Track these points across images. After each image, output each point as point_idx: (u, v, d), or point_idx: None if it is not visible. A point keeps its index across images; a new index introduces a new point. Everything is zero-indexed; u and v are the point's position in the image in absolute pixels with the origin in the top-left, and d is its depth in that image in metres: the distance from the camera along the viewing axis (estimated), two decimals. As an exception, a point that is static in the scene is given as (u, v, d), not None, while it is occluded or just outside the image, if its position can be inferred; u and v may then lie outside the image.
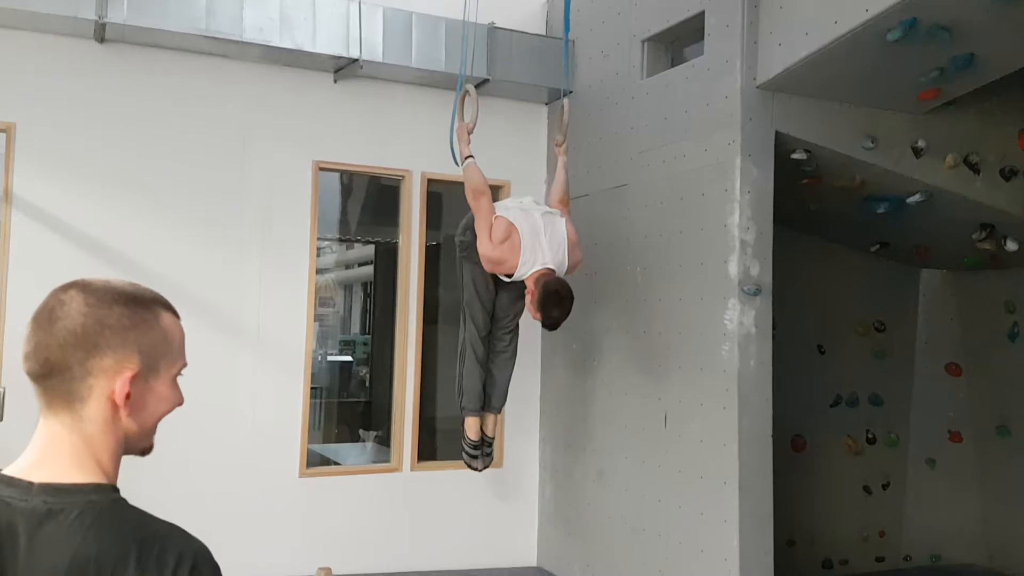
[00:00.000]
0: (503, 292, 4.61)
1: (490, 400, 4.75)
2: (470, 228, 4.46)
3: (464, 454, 4.76)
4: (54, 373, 1.27)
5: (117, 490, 1.30)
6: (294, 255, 5.43)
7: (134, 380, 1.30)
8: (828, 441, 6.50)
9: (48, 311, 1.28)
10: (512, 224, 4.23)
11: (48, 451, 1.28)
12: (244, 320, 5.31)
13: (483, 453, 4.77)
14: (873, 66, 4.27)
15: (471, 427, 4.70)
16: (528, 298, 4.24)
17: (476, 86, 4.98)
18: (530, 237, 4.23)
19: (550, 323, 4.22)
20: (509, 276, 4.29)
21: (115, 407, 1.31)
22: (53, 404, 1.29)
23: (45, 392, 1.29)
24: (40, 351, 1.27)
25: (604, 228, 5.36)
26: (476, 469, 4.82)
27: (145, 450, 1.37)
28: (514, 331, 4.75)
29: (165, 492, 4.87)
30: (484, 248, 4.24)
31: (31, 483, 1.25)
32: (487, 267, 4.31)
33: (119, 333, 1.30)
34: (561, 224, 4.37)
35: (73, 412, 1.28)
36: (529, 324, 5.95)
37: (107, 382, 1.29)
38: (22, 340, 1.30)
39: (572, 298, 4.21)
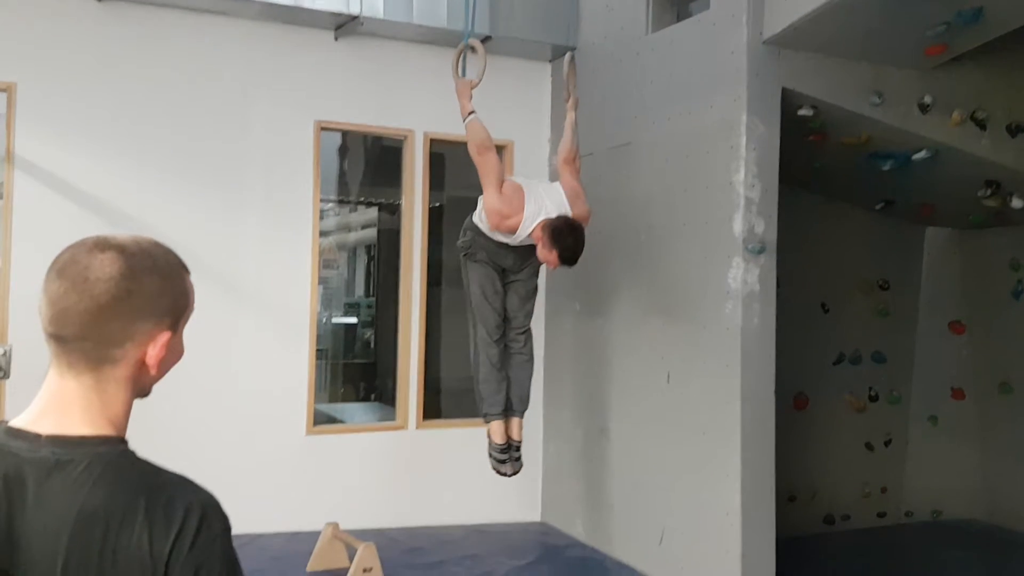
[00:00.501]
0: (512, 292, 4.54)
1: (511, 404, 4.58)
2: (470, 228, 4.42)
3: (491, 459, 4.59)
4: (89, 337, 1.26)
5: (125, 442, 1.31)
6: (297, 216, 5.43)
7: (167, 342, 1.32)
8: (831, 399, 6.53)
9: (82, 270, 1.25)
10: (518, 184, 4.23)
11: (57, 404, 1.28)
12: (248, 281, 5.32)
13: (511, 458, 4.58)
14: (880, 20, 4.21)
15: (495, 431, 4.54)
16: (539, 247, 4.17)
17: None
18: (531, 195, 4.22)
19: (567, 254, 4.09)
20: (513, 232, 4.23)
21: (141, 366, 1.32)
22: (77, 365, 1.27)
23: (71, 353, 1.27)
24: (75, 315, 1.24)
25: (608, 187, 5.33)
26: (505, 474, 4.62)
27: (146, 394, 1.38)
28: (528, 332, 4.64)
29: (173, 450, 4.92)
30: (492, 201, 4.16)
31: (39, 435, 1.25)
32: (493, 221, 4.22)
33: (159, 299, 1.31)
34: (556, 185, 4.36)
35: (99, 373, 1.28)
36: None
37: (142, 345, 1.30)
38: (45, 298, 1.25)
39: (581, 227, 4.15)
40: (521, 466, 4.65)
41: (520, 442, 4.63)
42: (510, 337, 4.58)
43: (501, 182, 4.20)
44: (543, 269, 4.64)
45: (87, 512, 1.21)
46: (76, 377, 1.28)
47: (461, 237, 4.50)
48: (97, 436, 1.28)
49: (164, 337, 1.31)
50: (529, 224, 4.16)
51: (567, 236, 4.07)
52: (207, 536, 1.24)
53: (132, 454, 1.31)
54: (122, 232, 1.37)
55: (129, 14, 5.03)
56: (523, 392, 4.63)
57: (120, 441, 1.30)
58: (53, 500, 1.22)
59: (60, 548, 1.20)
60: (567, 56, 4.77)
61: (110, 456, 1.27)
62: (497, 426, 4.54)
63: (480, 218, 4.39)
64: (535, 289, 4.61)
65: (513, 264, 4.45)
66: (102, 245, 1.28)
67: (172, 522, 1.22)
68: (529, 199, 4.18)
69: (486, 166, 4.21)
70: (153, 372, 1.33)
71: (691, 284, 4.65)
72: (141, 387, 1.34)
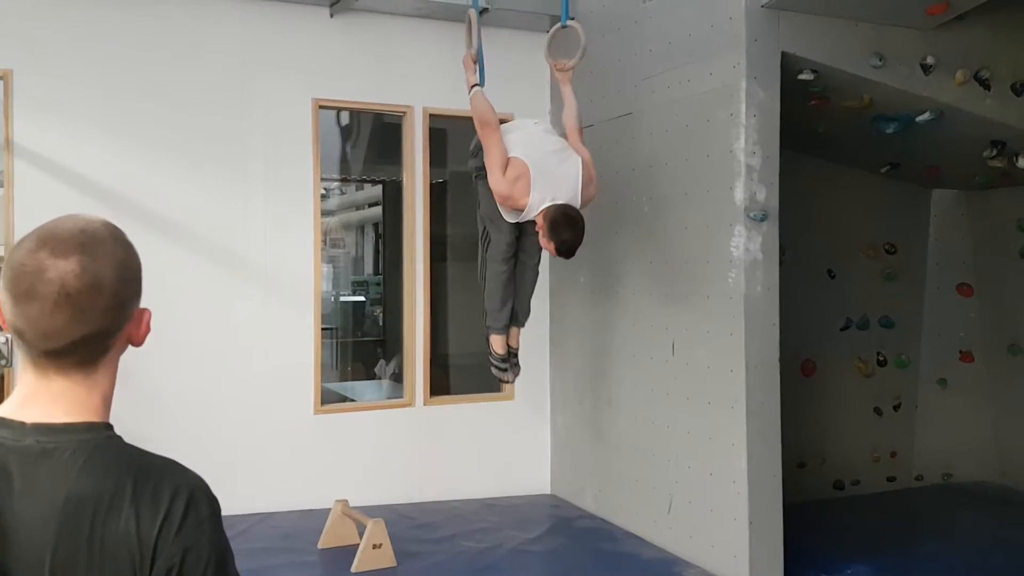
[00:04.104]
0: (527, 237, 4.46)
1: (516, 316, 4.67)
2: (482, 149, 4.31)
3: (493, 368, 4.72)
4: (86, 343, 1.25)
5: (111, 427, 1.31)
6: (298, 195, 5.42)
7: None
8: (839, 364, 6.51)
9: (59, 287, 1.20)
10: (525, 164, 4.09)
11: (44, 397, 1.28)
12: (252, 261, 5.33)
13: (512, 364, 4.73)
14: (880, -21, 4.15)
15: (497, 343, 4.64)
16: (540, 233, 4.14)
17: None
18: (540, 178, 4.09)
19: (563, 248, 4.07)
20: (519, 211, 4.19)
21: (126, 344, 1.33)
22: (68, 368, 1.26)
23: (65, 360, 1.25)
24: (70, 330, 1.22)
25: (609, 158, 5.30)
26: (507, 381, 4.83)
27: None
28: (539, 260, 4.68)
29: (183, 432, 4.97)
30: (495, 184, 4.10)
31: (23, 423, 1.25)
32: (498, 201, 4.20)
33: (133, 282, 1.30)
34: (576, 164, 4.22)
35: (89, 368, 1.28)
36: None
37: (129, 329, 1.31)
38: (23, 319, 1.21)
39: (582, 220, 4.11)
40: (520, 370, 4.79)
41: (518, 349, 4.78)
42: (520, 260, 4.57)
43: (504, 164, 4.10)
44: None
45: (74, 498, 1.21)
46: (67, 377, 1.27)
47: (472, 156, 4.43)
48: (82, 423, 1.28)
49: (147, 315, 1.32)
50: (534, 210, 4.10)
51: (564, 231, 4.03)
52: (195, 519, 1.24)
53: (118, 439, 1.31)
54: (61, 221, 1.29)
55: (123, -3, 5.01)
56: (526, 305, 4.71)
57: (106, 427, 1.30)
58: (40, 488, 1.22)
59: (49, 536, 1.20)
60: (553, 29, 4.76)
61: (96, 442, 1.27)
62: (499, 339, 4.63)
63: None
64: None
65: None
66: (58, 250, 1.23)
67: (159, 505, 1.23)
68: (536, 185, 4.07)
69: (486, 144, 4.14)
70: (137, 346, 1.34)
71: (694, 253, 4.63)
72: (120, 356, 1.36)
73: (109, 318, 1.25)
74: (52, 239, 1.24)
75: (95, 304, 1.23)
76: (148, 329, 1.32)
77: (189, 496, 1.25)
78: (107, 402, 1.33)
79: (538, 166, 4.12)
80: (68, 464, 1.23)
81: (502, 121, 4.33)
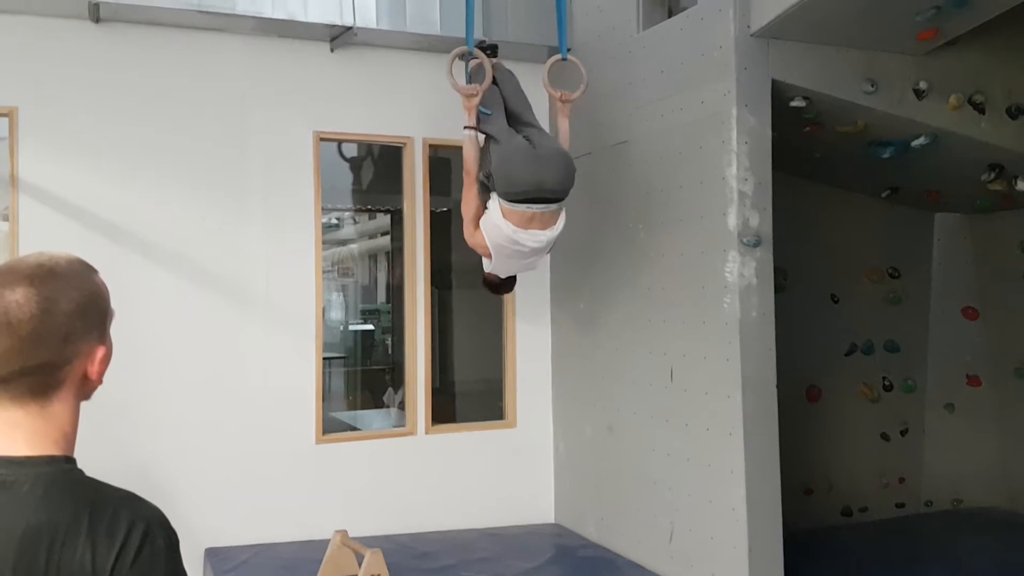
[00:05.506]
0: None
1: None
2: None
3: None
4: (30, 373, 1.29)
5: (72, 460, 1.34)
6: (299, 226, 5.47)
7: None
8: (844, 390, 6.48)
9: (1, 315, 1.27)
10: (486, 244, 4.34)
11: (4, 429, 1.31)
12: (254, 291, 5.37)
13: None
14: (868, 6, 4.18)
15: None
16: (484, 257, 4.50)
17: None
18: (502, 262, 4.43)
19: (486, 289, 4.80)
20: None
21: (84, 380, 1.36)
22: (22, 398, 1.30)
23: (15, 390, 1.29)
24: (11, 358, 1.27)
25: (606, 186, 5.35)
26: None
27: (88, 399, 1.41)
28: None
29: (184, 460, 5.00)
30: (465, 233, 4.40)
31: None
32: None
33: (85, 317, 1.33)
34: (543, 259, 4.66)
35: (44, 399, 1.31)
36: (538, 287, 5.99)
37: (81, 364, 1.33)
38: None
39: (511, 290, 4.89)
40: None
41: None
42: None
43: (475, 221, 4.34)
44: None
45: (32, 531, 1.24)
46: (22, 407, 1.31)
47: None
48: (42, 456, 1.31)
49: (100, 352, 1.34)
50: (494, 270, 4.52)
51: (490, 291, 4.83)
52: (150, 551, 1.27)
53: (78, 472, 1.33)
54: (27, 256, 1.37)
55: (125, 34, 5.11)
56: None
57: (66, 460, 1.33)
58: None
59: (7, 567, 1.23)
60: (551, 60, 4.83)
61: (55, 475, 1.30)
62: None
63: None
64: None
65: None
66: (7, 281, 1.29)
67: (115, 538, 1.25)
68: (497, 261, 4.39)
69: (464, 191, 4.37)
70: (96, 383, 1.37)
71: (690, 279, 4.64)
72: (84, 397, 1.38)
73: (54, 351, 1.29)
74: (7, 272, 1.31)
75: (37, 335, 1.27)
76: (103, 367, 1.35)
77: (146, 528, 1.28)
78: (68, 437, 1.36)
79: (502, 254, 4.38)
80: (27, 496, 1.26)
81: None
